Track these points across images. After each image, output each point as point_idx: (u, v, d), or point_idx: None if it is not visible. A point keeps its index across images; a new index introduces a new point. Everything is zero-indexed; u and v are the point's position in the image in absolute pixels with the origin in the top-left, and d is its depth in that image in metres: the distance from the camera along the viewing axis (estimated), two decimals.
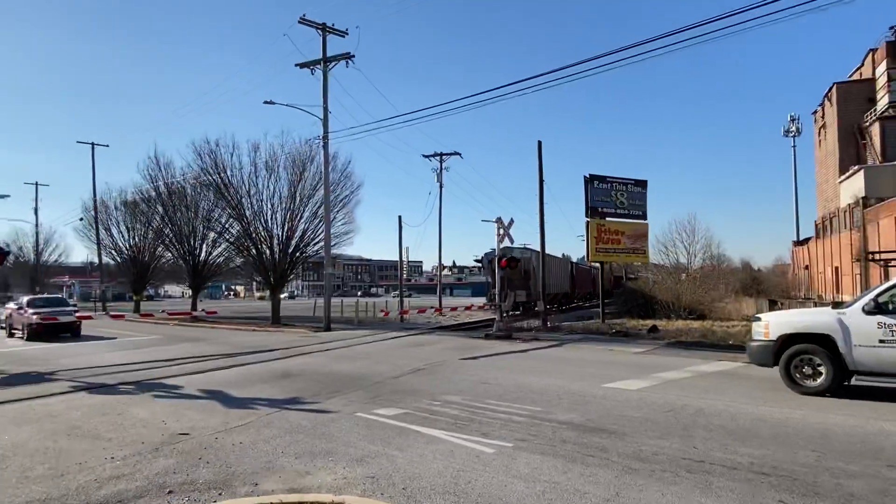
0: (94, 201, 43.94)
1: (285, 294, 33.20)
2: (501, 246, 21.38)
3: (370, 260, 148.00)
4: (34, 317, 22.16)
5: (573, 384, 10.34)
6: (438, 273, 54.88)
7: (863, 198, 38.01)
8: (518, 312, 30.79)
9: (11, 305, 26.06)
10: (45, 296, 31.67)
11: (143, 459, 6.06)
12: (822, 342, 8.96)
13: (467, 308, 42.12)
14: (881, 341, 8.43)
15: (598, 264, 28.69)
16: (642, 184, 27.83)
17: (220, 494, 4.98)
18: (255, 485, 5.22)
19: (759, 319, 10.14)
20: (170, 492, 5.08)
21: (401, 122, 34.03)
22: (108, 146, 48.72)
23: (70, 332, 22.87)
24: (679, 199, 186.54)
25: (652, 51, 16.23)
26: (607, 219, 26.16)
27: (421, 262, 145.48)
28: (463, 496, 4.83)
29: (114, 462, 5.98)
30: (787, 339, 9.35)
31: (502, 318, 21.35)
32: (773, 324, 9.66)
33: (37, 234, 57.35)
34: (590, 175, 25.83)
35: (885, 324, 8.44)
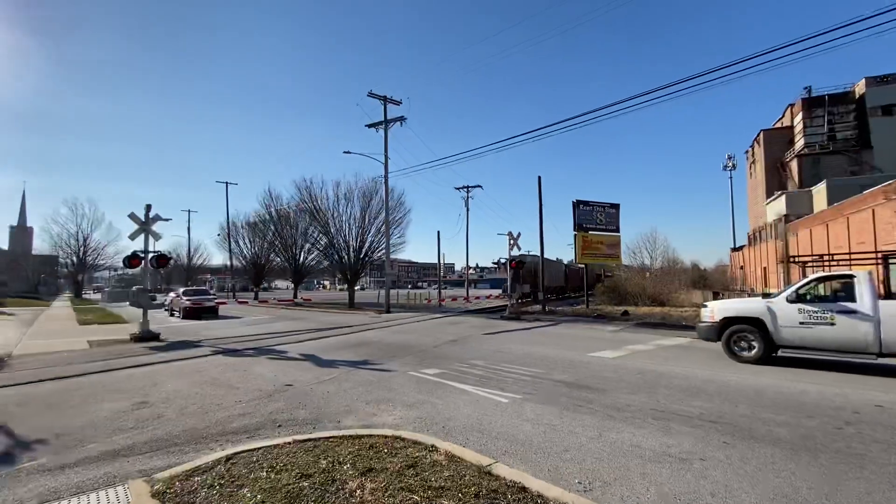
0: (227, 223, 45.37)
1: (358, 286, 33.49)
2: (512, 252, 21.16)
3: (417, 262, 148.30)
4: (187, 302, 22.82)
5: (565, 353, 10.12)
6: (466, 272, 54.98)
7: (784, 215, 36.63)
8: (527, 300, 30.48)
9: (172, 294, 27.00)
10: (194, 287, 32.75)
11: (260, 402, 6.20)
12: (754, 324, 8.60)
13: (487, 297, 41.79)
14: (801, 323, 8.08)
15: (583, 265, 28.11)
16: (616, 206, 27.26)
17: (314, 428, 5.06)
18: (338, 422, 5.29)
19: (706, 306, 9.78)
20: (279, 426, 5.19)
21: (439, 164, 34.46)
22: (237, 184, 50.48)
23: (211, 312, 23.30)
24: (645, 215, 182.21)
25: (627, 108, 15.91)
26: (590, 232, 25.66)
27: (453, 263, 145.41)
28: (486, 433, 4.80)
29: (241, 404, 6.14)
30: (728, 321, 9.01)
31: (513, 304, 21.08)
32: (717, 309, 9.32)
33: (189, 245, 59.61)
34: (577, 200, 25.46)
35: (804, 310, 8.09)
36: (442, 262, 47.48)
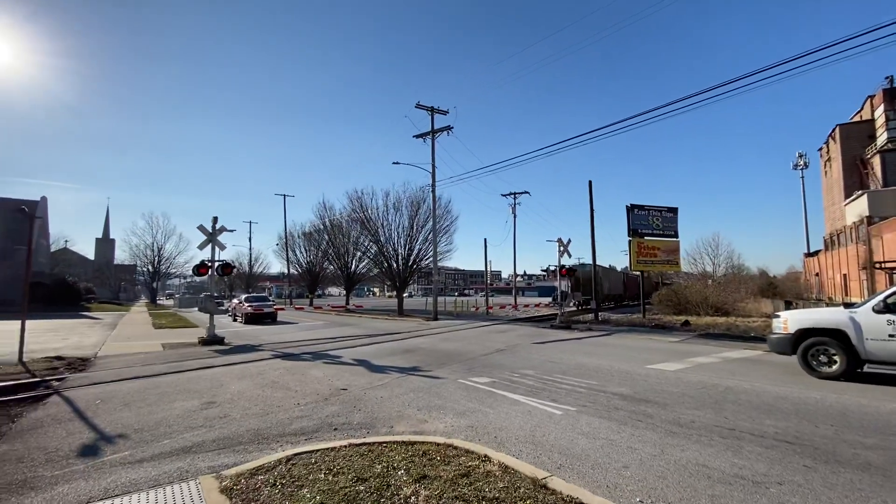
0: (285, 233, 47.90)
1: (406, 294, 33.97)
2: (562, 259, 20.65)
3: (463, 270, 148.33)
4: (248, 308, 24.00)
5: (621, 364, 9.69)
6: (513, 280, 54.32)
7: (867, 217, 33.32)
8: (586, 307, 29.72)
9: (235, 301, 28.67)
10: (255, 294, 34.57)
11: (317, 405, 6.41)
12: (835, 336, 7.83)
13: (536, 305, 41.03)
14: (891, 336, 7.25)
15: (638, 273, 26.93)
16: (674, 210, 25.98)
17: (367, 432, 5.15)
18: (391, 427, 5.35)
19: (778, 317, 9.02)
20: (335, 429, 5.33)
21: (485, 171, 34.43)
22: (294, 196, 53.26)
23: (270, 318, 24.26)
24: (706, 220, 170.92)
25: (683, 108, 15.15)
26: (646, 238, 24.57)
27: (500, 271, 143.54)
28: (539, 445, 4.67)
29: (299, 406, 6.37)
30: (804, 333, 8.25)
31: (563, 313, 20.52)
32: (790, 320, 8.56)
33: (250, 254, 63.09)
34: (631, 205, 24.49)
35: (894, 321, 7.26)
36: (489, 269, 47.21)
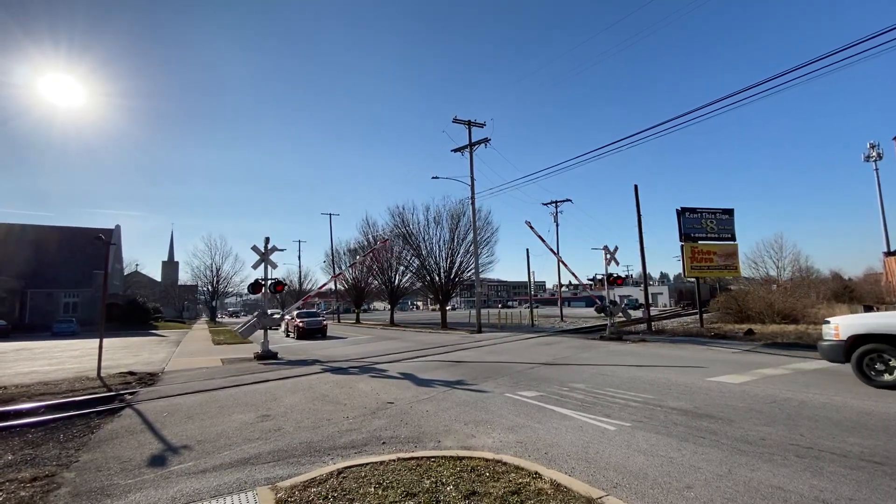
0: (332, 250, 49.52)
1: (449, 307, 34.00)
2: (609, 268, 19.91)
3: (506, 281, 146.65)
4: (300, 323, 24.98)
5: (679, 377, 9.13)
6: (559, 290, 53.06)
7: None
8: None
9: (287, 317, 29.82)
10: (305, 310, 35.81)
11: (365, 419, 6.48)
12: (892, 342, 7.25)
13: (583, 317, 39.87)
14: None
15: (693, 279, 25.53)
16: (729, 212, 24.52)
17: (415, 446, 5.14)
18: (438, 441, 5.31)
19: (828, 322, 8.37)
20: (383, 442, 5.35)
21: (525, 181, 34.16)
22: (339, 215, 54.94)
23: (320, 333, 25.13)
24: (768, 220, 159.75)
25: (733, 103, 14.37)
26: (699, 242, 23.30)
27: (544, 281, 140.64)
28: (593, 463, 4.46)
29: (348, 420, 6.47)
30: (857, 339, 7.68)
31: (613, 323, 19.69)
32: (842, 326, 7.98)
33: (300, 272, 65.71)
34: (681, 208, 23.34)
35: None
36: (532, 280, 46.44)
